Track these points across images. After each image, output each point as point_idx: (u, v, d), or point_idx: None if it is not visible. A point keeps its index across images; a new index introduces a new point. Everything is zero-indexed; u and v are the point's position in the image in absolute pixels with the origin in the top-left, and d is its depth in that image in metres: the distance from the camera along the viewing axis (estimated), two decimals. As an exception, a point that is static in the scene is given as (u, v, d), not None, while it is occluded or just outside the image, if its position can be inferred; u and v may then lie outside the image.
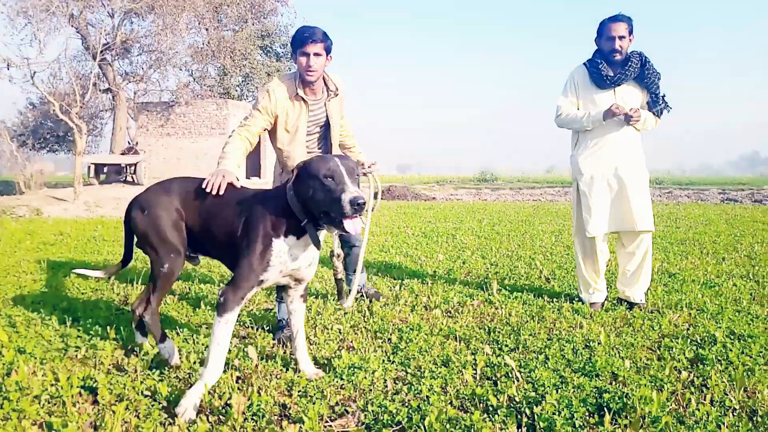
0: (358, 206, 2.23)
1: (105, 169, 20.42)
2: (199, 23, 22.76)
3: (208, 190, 2.72)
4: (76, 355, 2.88)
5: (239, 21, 24.92)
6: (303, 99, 3.42)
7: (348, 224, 2.28)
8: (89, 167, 19.22)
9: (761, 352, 2.97)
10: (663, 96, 3.94)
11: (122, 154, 20.62)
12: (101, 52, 18.80)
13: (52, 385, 2.45)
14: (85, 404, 2.35)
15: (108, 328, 3.26)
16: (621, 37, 3.84)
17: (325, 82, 3.53)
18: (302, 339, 2.75)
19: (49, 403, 2.31)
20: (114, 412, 2.17)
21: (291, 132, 3.47)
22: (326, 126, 3.64)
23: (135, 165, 19.53)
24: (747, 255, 6.20)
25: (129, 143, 22.64)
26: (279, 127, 3.44)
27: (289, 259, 2.47)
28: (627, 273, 4.00)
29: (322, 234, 2.55)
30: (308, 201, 2.38)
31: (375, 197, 3.36)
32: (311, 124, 3.55)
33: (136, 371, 2.68)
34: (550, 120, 4.21)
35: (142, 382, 2.51)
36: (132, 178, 19.90)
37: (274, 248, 2.43)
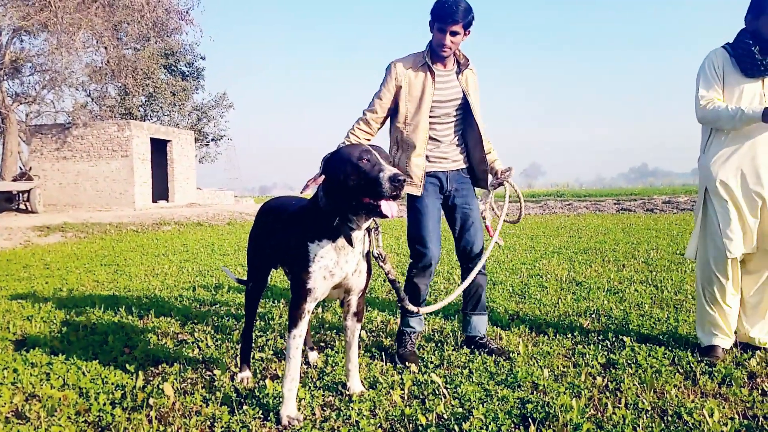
0: (398, 183, 2.11)
1: (-6, 197, 18.86)
2: (97, 41, 21.61)
3: None
4: (-32, 405, 2.61)
5: (141, 39, 23.89)
6: (429, 68, 3.22)
7: (384, 206, 2.17)
8: (-24, 195, 17.67)
9: (665, 353, 3.17)
10: None
11: (14, 180, 19.12)
12: (-13, 71, 17.47)
13: (-61, 441, 2.21)
14: (-19, 460, 2.12)
15: (4, 371, 2.99)
16: None
17: (454, 55, 3.31)
18: (354, 355, 2.73)
19: (-64, 462, 2.08)
20: (16, 466, 1.97)
21: (413, 101, 3.22)
22: (464, 105, 3.31)
23: (29, 192, 18.16)
24: (644, 261, 6.65)
25: (21, 168, 21.04)
26: (401, 100, 3.22)
27: (330, 264, 2.38)
28: (749, 304, 3.27)
29: (357, 235, 2.38)
30: (340, 192, 2.26)
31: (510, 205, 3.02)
32: (444, 102, 3.26)
33: (39, 418, 2.46)
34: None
35: (47, 430, 2.31)
36: (25, 205, 18.45)
37: (310, 253, 2.37)
